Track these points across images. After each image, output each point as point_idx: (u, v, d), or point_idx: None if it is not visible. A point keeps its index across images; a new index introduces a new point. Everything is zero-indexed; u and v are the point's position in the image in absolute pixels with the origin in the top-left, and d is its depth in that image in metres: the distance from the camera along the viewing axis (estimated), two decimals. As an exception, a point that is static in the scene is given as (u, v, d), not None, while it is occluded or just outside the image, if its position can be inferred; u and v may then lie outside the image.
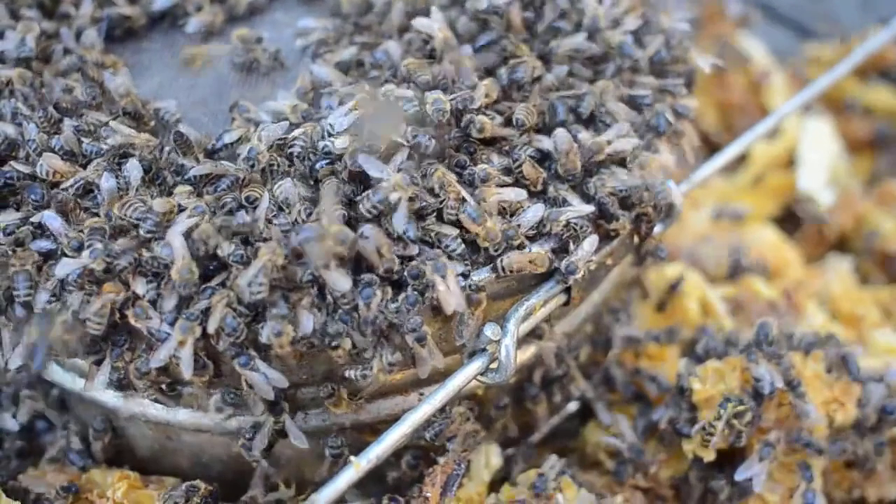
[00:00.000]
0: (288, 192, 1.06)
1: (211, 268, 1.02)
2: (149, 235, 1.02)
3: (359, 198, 1.05)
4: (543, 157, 1.14)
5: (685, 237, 1.67)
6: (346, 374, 1.05)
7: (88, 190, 1.09)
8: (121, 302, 1.00)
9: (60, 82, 1.19)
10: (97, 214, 1.06)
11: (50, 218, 1.05)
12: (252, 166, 1.08)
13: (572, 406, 1.37)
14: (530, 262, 1.07)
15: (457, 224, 1.07)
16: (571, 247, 1.09)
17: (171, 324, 1.00)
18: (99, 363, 1.05)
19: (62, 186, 1.08)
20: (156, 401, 1.12)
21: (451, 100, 1.12)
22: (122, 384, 1.05)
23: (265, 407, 1.07)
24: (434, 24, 1.21)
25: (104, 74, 1.20)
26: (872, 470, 1.32)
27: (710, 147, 1.77)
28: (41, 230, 1.06)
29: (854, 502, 1.36)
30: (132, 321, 1.00)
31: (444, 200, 1.06)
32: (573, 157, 1.13)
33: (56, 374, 1.20)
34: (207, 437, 1.18)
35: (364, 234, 1.02)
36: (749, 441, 1.24)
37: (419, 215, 1.06)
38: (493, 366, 1.08)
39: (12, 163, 1.11)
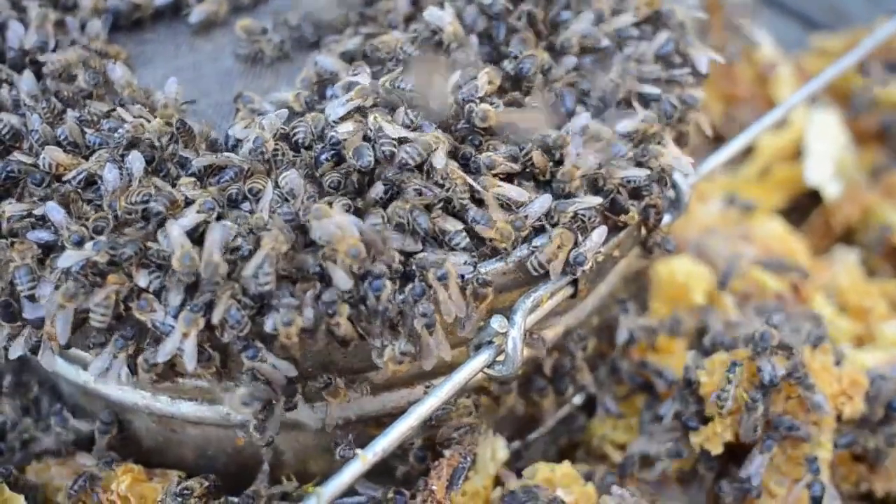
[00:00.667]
0: (293, 183, 1.05)
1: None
2: (158, 216, 1.01)
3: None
4: (548, 148, 1.14)
5: (692, 229, 1.67)
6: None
7: (91, 182, 1.08)
8: (125, 294, 0.99)
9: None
10: (100, 206, 1.06)
11: (53, 210, 1.05)
12: (261, 155, 1.07)
13: (577, 399, 1.36)
14: (558, 247, 1.07)
15: (462, 217, 1.06)
16: (579, 238, 1.08)
17: (176, 316, 0.99)
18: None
19: (65, 178, 1.07)
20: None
21: (457, 92, 1.11)
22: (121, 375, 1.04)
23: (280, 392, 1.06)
24: (445, 17, 1.20)
25: (107, 65, 1.20)
26: (881, 464, 1.32)
27: (716, 139, 1.76)
28: (41, 221, 1.05)
29: (861, 496, 1.36)
30: (136, 313, 0.99)
31: (450, 189, 1.05)
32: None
33: (60, 366, 1.19)
34: (212, 430, 1.18)
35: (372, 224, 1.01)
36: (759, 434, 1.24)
37: (426, 207, 1.05)
38: (500, 358, 1.07)
39: (16, 153, 1.10)
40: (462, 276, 1.03)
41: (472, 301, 1.04)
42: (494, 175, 1.09)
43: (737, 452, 1.26)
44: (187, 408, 1.15)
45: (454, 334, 1.07)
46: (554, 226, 1.08)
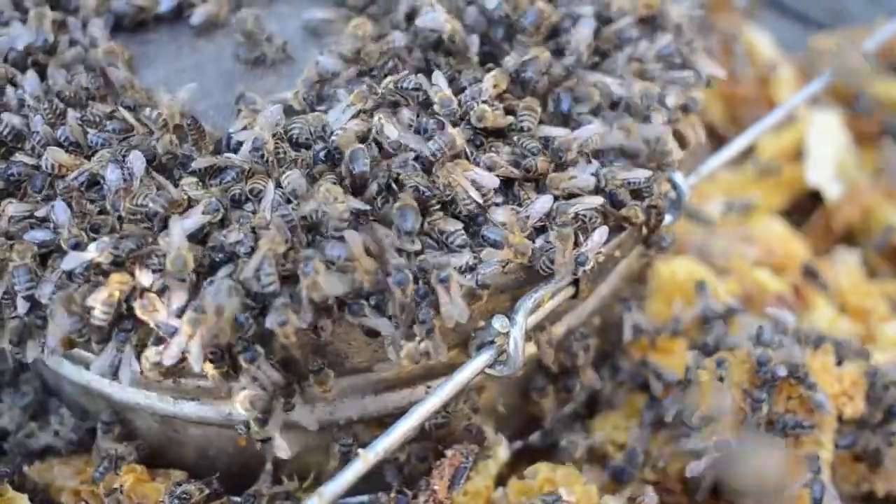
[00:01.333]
0: (296, 184, 1.05)
1: (217, 259, 1.02)
2: (159, 212, 1.02)
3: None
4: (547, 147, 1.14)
5: (693, 230, 1.67)
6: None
7: (93, 182, 1.08)
8: (127, 292, 1.00)
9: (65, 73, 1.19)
10: (103, 206, 1.06)
11: (59, 209, 1.05)
12: (261, 156, 1.08)
13: (580, 398, 1.36)
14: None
15: (461, 217, 1.06)
16: (581, 238, 1.09)
17: (179, 317, 0.99)
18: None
19: (67, 179, 1.08)
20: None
21: (460, 96, 1.12)
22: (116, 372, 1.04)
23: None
24: (439, 17, 1.21)
25: (108, 65, 1.20)
26: (882, 464, 1.32)
27: (717, 139, 1.76)
28: (42, 221, 1.05)
29: (862, 496, 1.36)
30: (139, 313, 0.99)
31: (448, 193, 1.05)
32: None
33: (63, 366, 1.20)
34: (213, 430, 1.18)
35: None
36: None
37: (424, 209, 1.05)
38: (502, 358, 1.07)
39: (18, 154, 1.10)
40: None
41: (470, 301, 1.03)
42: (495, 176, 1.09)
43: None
44: (189, 408, 1.15)
45: (456, 335, 1.07)
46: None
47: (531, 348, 1.18)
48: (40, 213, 1.06)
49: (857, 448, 1.32)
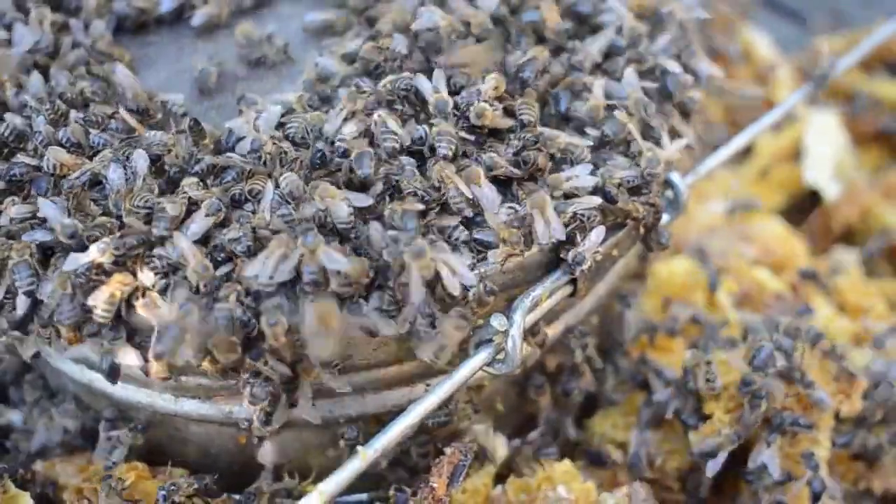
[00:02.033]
0: (293, 186, 1.06)
1: (219, 259, 1.02)
2: (163, 236, 1.02)
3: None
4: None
5: (692, 229, 1.67)
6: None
7: (96, 182, 1.09)
8: (129, 292, 1.00)
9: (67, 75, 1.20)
10: (105, 206, 1.07)
11: (45, 206, 1.05)
12: (258, 158, 1.08)
13: (577, 397, 1.37)
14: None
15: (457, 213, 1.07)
16: (578, 238, 1.09)
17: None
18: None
19: (70, 178, 1.08)
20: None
21: (457, 96, 1.13)
22: (113, 370, 1.05)
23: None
24: (435, 15, 1.21)
25: (110, 67, 1.21)
26: (880, 462, 1.32)
27: (716, 140, 1.77)
28: (42, 222, 1.06)
29: (860, 494, 1.36)
30: (141, 311, 1.00)
31: (444, 193, 1.06)
32: None
33: (66, 365, 1.20)
34: (214, 428, 1.19)
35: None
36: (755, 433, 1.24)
37: (423, 212, 1.06)
38: (500, 357, 1.08)
39: (20, 155, 1.11)
40: (466, 288, 1.03)
41: (475, 307, 1.04)
42: (494, 177, 1.10)
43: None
44: (190, 406, 1.16)
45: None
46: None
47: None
48: (41, 213, 1.07)
49: (855, 446, 1.32)
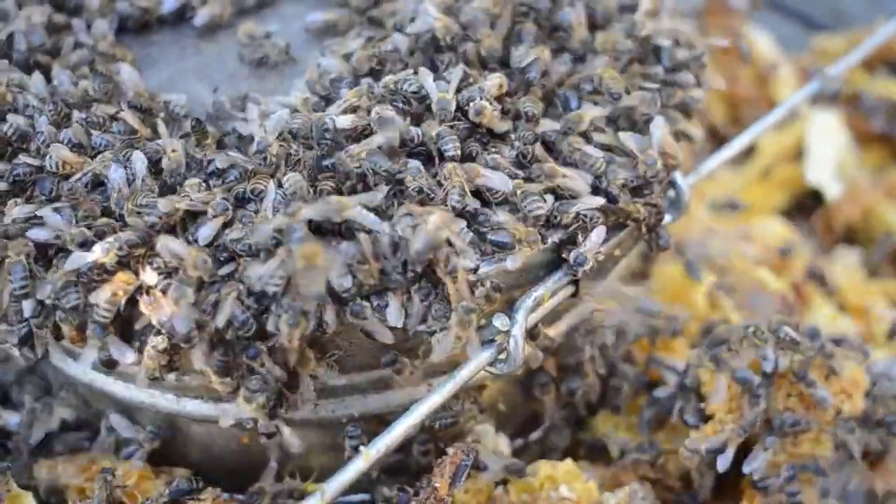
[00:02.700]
0: (296, 186, 1.06)
1: (221, 259, 1.02)
2: (151, 227, 1.02)
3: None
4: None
5: (693, 230, 1.67)
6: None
7: (98, 183, 1.09)
8: (132, 292, 1.00)
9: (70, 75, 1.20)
10: (107, 206, 1.07)
11: (49, 214, 1.05)
12: (264, 159, 1.08)
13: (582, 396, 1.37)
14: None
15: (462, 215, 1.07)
16: (580, 238, 1.09)
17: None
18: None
19: (72, 179, 1.08)
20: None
21: (458, 95, 1.12)
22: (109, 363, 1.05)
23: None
24: (431, 13, 1.21)
25: (115, 67, 1.21)
26: (882, 462, 1.32)
27: (718, 139, 1.77)
28: (39, 221, 1.06)
29: (861, 494, 1.36)
30: (143, 309, 1.00)
31: (447, 190, 1.06)
32: None
33: (69, 365, 1.20)
34: (217, 428, 1.18)
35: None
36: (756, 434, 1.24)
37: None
38: (502, 356, 1.08)
39: (22, 156, 1.11)
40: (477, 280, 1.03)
41: (483, 303, 1.04)
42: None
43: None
44: (192, 406, 1.16)
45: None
46: (555, 226, 1.09)
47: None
48: (42, 212, 1.07)
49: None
